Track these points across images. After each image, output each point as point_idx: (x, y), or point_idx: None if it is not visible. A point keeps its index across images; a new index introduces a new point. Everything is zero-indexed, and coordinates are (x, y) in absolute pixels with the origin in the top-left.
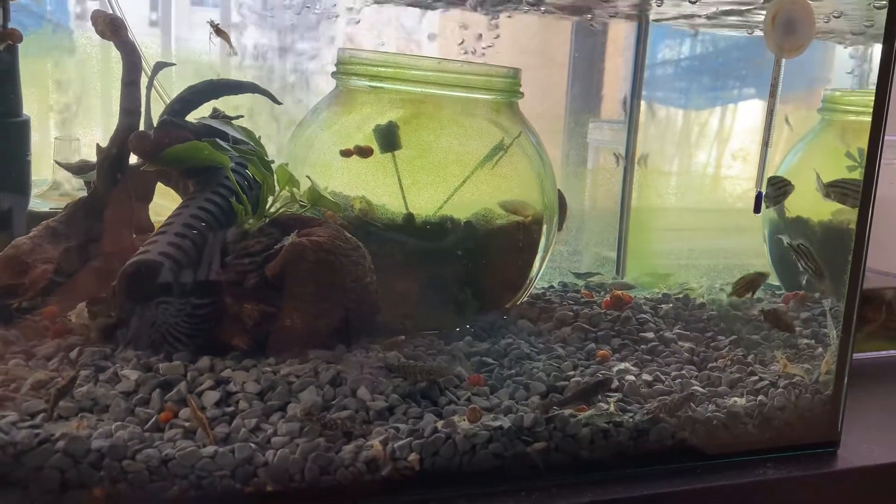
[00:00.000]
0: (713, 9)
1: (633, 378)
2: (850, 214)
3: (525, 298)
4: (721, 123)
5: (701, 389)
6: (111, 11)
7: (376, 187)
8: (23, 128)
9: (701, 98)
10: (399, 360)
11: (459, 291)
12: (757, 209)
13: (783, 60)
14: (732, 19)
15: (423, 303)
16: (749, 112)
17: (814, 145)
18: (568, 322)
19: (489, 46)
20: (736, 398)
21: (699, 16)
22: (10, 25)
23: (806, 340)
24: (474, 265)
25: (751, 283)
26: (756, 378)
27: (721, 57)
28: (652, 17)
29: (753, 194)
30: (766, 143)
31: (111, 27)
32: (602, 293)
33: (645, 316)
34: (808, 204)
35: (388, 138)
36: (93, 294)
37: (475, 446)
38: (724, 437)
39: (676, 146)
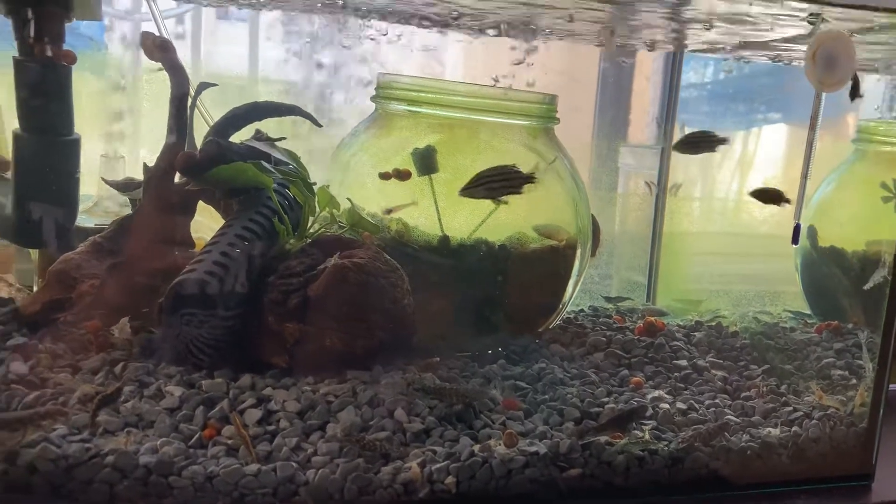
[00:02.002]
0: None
1: (667, 406)
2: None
3: (557, 323)
4: (751, 148)
5: (735, 419)
6: (159, 33)
7: (413, 210)
8: (73, 146)
9: (732, 122)
10: (434, 383)
11: (493, 314)
12: (795, 241)
13: (823, 95)
14: (770, 53)
15: (456, 325)
16: (778, 137)
17: (847, 176)
18: (601, 348)
19: (519, 63)
20: (770, 428)
21: (735, 47)
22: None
23: (840, 372)
24: (508, 288)
25: None
26: (790, 409)
27: (751, 82)
28: (690, 48)
29: (790, 223)
30: (804, 176)
31: (160, 48)
32: (634, 318)
33: (678, 343)
34: (843, 234)
35: (426, 162)
36: (136, 310)
37: (511, 471)
38: (758, 467)
39: (708, 171)
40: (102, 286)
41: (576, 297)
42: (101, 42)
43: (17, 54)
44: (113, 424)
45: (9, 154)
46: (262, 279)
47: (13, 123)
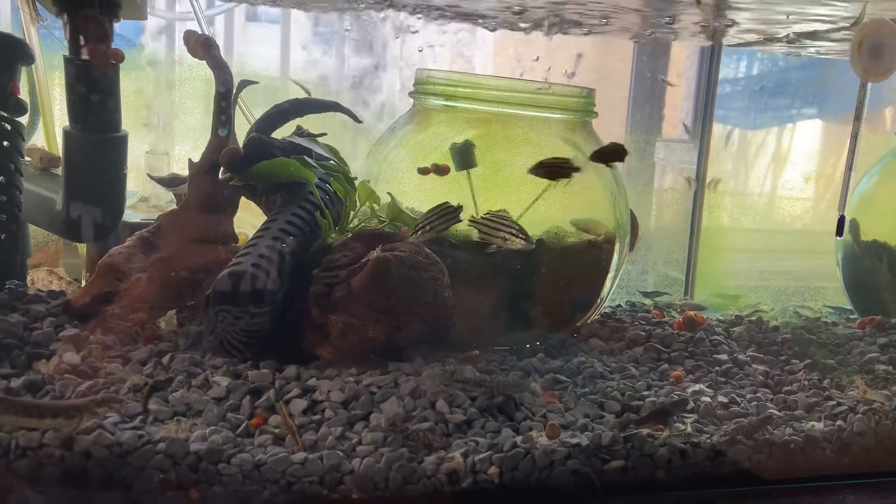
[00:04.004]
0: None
1: (708, 399)
2: None
3: (595, 317)
4: (789, 144)
5: (777, 413)
6: (202, 31)
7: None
8: (122, 142)
9: (766, 118)
10: (475, 375)
11: (530, 308)
12: (839, 232)
13: (868, 85)
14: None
15: (494, 318)
16: (814, 132)
17: (891, 168)
18: (640, 342)
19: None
20: (813, 422)
21: (780, 39)
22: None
23: (884, 367)
24: (545, 282)
25: None
26: (833, 403)
27: (785, 76)
28: (727, 42)
29: (830, 218)
30: (849, 168)
31: (203, 46)
32: (671, 313)
33: (718, 338)
34: (886, 227)
35: (465, 156)
36: (180, 303)
37: (553, 462)
38: (802, 461)
39: (745, 166)
40: (148, 280)
41: (613, 292)
42: (139, 41)
43: (67, 54)
44: (163, 413)
45: (59, 151)
46: (305, 272)
47: (63, 121)
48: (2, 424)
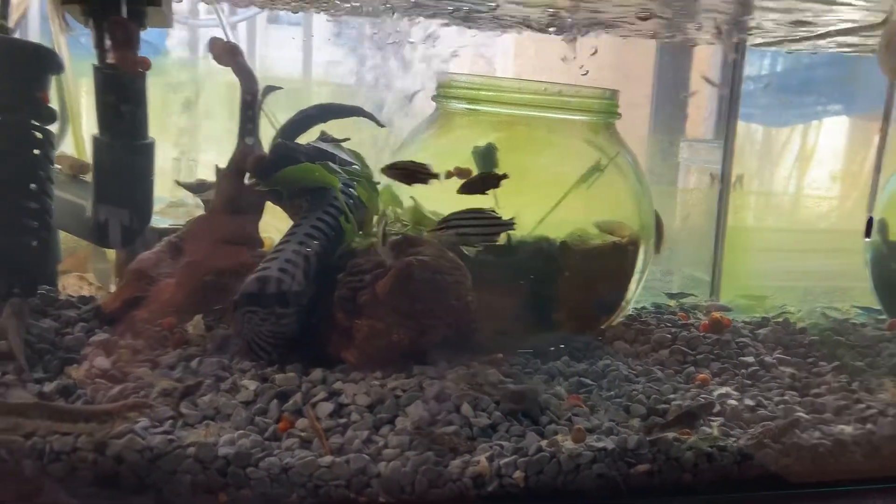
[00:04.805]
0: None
1: (734, 402)
2: None
3: (620, 319)
4: (815, 141)
5: (805, 416)
6: (227, 39)
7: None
8: (149, 149)
9: (790, 116)
10: (498, 378)
11: (554, 311)
12: (868, 234)
13: None
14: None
15: (518, 321)
16: (841, 129)
17: None
18: (666, 345)
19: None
20: (842, 426)
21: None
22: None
23: None
24: (569, 285)
25: None
26: (863, 406)
27: (809, 73)
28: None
29: (858, 218)
30: (877, 169)
31: (229, 53)
32: (697, 315)
33: (744, 340)
34: None
35: (487, 160)
36: (207, 307)
37: (579, 466)
38: (831, 465)
39: (770, 165)
40: (176, 284)
41: (637, 293)
42: (163, 47)
43: (95, 62)
44: (192, 417)
45: (88, 158)
46: (331, 276)
47: (91, 128)
48: (37, 429)
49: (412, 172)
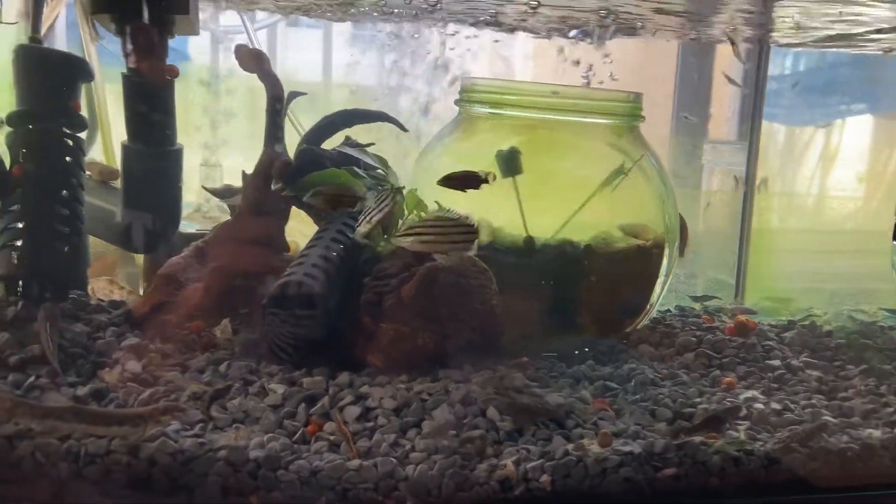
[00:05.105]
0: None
1: (761, 406)
2: None
3: (645, 323)
4: (839, 141)
5: (833, 420)
6: (253, 45)
7: (497, 211)
8: (178, 155)
9: (814, 115)
10: (524, 382)
11: (578, 315)
12: None
13: None
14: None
15: (543, 325)
16: (866, 129)
17: None
18: (691, 348)
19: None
20: (871, 430)
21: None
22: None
23: None
24: (594, 288)
25: None
26: (891, 409)
27: (833, 73)
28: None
29: (886, 219)
30: None
31: (255, 60)
32: (722, 318)
33: (770, 343)
34: None
35: (511, 163)
36: (234, 311)
37: (606, 470)
38: (859, 469)
39: (793, 165)
40: (204, 289)
41: (662, 296)
42: (186, 54)
43: (125, 70)
44: (222, 420)
45: (117, 164)
46: (356, 281)
47: (119, 134)
48: (72, 432)
49: (466, 180)
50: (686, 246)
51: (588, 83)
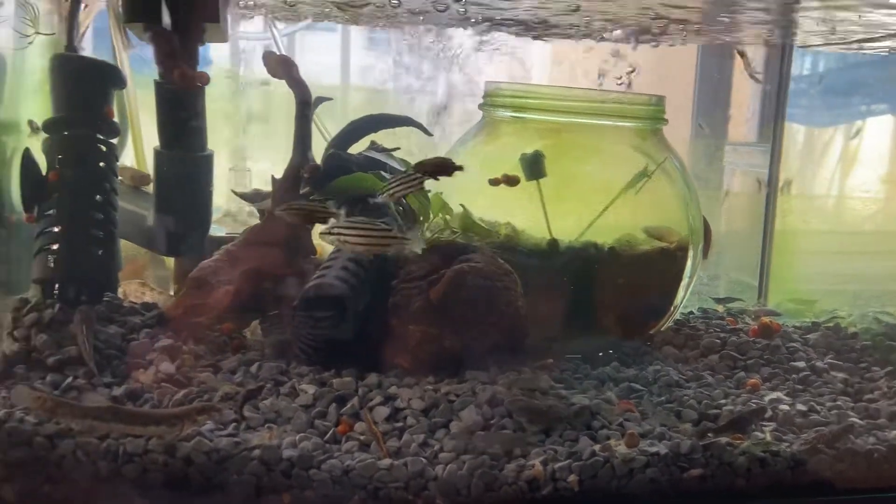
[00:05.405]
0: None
1: (786, 408)
2: None
3: (669, 325)
4: (860, 142)
5: (859, 421)
6: (280, 52)
7: (521, 214)
8: (208, 161)
9: (835, 116)
10: (545, 384)
11: (602, 317)
12: None
13: None
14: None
15: (567, 327)
16: (889, 129)
17: None
18: (715, 350)
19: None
20: None
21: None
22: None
23: None
24: (618, 290)
25: None
26: None
27: (854, 73)
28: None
29: None
30: None
31: (283, 66)
32: (745, 320)
33: (795, 345)
34: None
35: (535, 167)
36: (264, 313)
37: (633, 470)
38: (886, 470)
39: (814, 166)
40: (235, 291)
41: (686, 298)
42: (210, 60)
43: (157, 78)
44: (254, 420)
45: (147, 169)
46: (385, 283)
47: (150, 140)
48: (110, 431)
49: (438, 167)
50: (710, 248)
51: (629, 85)
